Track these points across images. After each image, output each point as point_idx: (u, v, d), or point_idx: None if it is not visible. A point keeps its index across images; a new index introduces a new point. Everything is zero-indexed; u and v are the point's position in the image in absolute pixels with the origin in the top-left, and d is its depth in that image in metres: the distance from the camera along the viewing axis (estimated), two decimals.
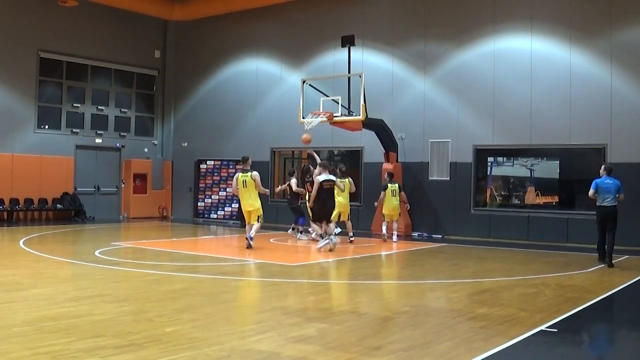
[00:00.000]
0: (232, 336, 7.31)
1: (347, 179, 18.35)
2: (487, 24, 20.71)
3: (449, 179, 21.14)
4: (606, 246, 14.29)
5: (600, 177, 14.51)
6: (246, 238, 16.15)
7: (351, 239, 18.27)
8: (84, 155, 26.03)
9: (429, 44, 21.78)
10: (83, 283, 11.09)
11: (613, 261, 14.18)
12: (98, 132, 26.50)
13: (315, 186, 16.27)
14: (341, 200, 17.67)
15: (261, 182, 16.39)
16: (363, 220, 22.02)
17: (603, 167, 14.87)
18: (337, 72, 21.97)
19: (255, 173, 16.15)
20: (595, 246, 14.74)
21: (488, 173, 21.68)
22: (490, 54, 20.64)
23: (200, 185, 27.53)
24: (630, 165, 18.04)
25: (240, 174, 16.33)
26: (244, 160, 16.59)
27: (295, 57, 24.84)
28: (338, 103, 19.64)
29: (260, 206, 16.30)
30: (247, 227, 16.69)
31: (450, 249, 17.55)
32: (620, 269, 13.91)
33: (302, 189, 18.84)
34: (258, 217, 16.27)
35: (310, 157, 19.23)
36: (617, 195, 14.38)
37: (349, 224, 18.46)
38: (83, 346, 6.66)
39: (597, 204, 14.41)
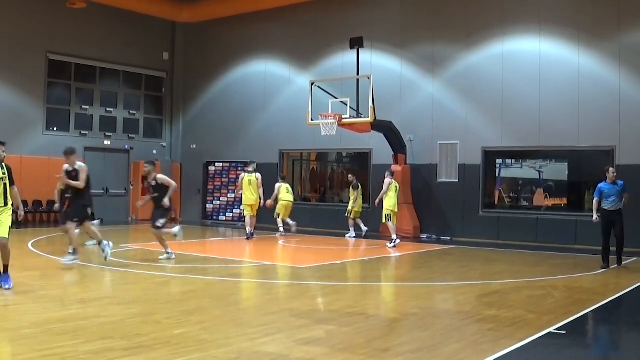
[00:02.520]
0: (240, 338, 7.31)
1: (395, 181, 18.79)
2: (496, 26, 20.67)
3: (457, 180, 21.11)
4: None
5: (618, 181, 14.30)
6: (250, 233, 19.26)
7: (395, 242, 18.12)
8: (92, 157, 26.02)
9: (438, 46, 21.76)
10: (91, 285, 11.12)
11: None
12: (107, 134, 26.56)
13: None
14: (390, 200, 18.43)
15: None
16: (372, 222, 22.00)
17: (614, 169, 14.54)
18: (346, 74, 21.96)
19: (258, 174, 19.23)
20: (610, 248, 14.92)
21: (497, 175, 21.65)
22: (499, 56, 20.60)
23: (209, 187, 27.56)
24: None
25: (246, 175, 19.29)
26: (251, 163, 19.78)
27: (304, 59, 24.85)
28: (347, 105, 19.65)
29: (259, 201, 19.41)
30: (247, 219, 19.46)
31: (459, 251, 17.52)
32: (628, 271, 13.87)
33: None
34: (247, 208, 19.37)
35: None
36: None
37: (391, 225, 18.46)
38: (91, 348, 6.67)
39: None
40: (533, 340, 7.47)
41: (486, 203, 20.97)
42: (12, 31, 23.45)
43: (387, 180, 18.42)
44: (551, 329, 8.01)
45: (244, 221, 20.90)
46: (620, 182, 14.15)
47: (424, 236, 21.06)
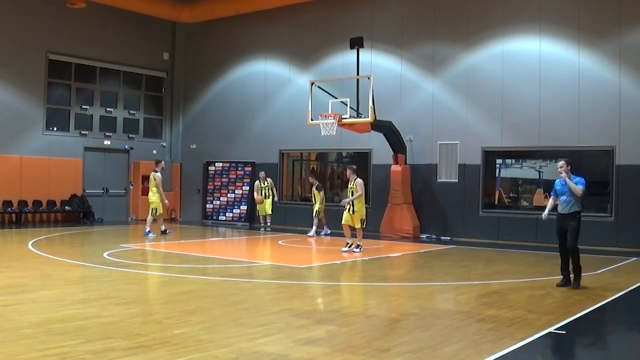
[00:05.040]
0: (240, 338, 7.31)
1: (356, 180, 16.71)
2: (496, 26, 20.67)
3: (457, 181, 21.10)
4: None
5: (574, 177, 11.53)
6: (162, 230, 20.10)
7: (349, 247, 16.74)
8: (92, 157, 26.09)
9: (438, 45, 21.76)
10: (91, 285, 11.12)
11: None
12: (107, 134, 26.56)
13: None
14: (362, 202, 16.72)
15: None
16: (372, 222, 22.03)
17: (562, 163, 11.60)
18: (346, 74, 21.97)
19: (157, 174, 19.74)
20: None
21: (497, 175, 21.64)
22: (499, 55, 20.60)
23: (209, 187, 27.55)
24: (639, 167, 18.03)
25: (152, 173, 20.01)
26: (157, 162, 20.43)
27: (304, 59, 24.85)
28: (347, 105, 19.64)
29: (155, 200, 19.72)
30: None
31: (459, 251, 17.52)
32: (628, 272, 13.87)
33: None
34: (152, 209, 19.74)
35: None
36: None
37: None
38: (91, 348, 6.68)
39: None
40: (533, 340, 7.48)
41: (486, 203, 20.97)
42: (12, 31, 23.45)
43: (359, 180, 16.59)
44: (551, 329, 8.02)
45: None
46: (575, 179, 11.45)
47: (424, 236, 21.06)
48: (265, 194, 22.83)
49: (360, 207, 16.49)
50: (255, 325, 8.01)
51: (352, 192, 16.51)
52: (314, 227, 21.26)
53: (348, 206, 16.54)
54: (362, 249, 16.54)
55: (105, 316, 8.28)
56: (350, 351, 6.86)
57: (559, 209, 11.56)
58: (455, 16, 21.54)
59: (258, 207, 23.10)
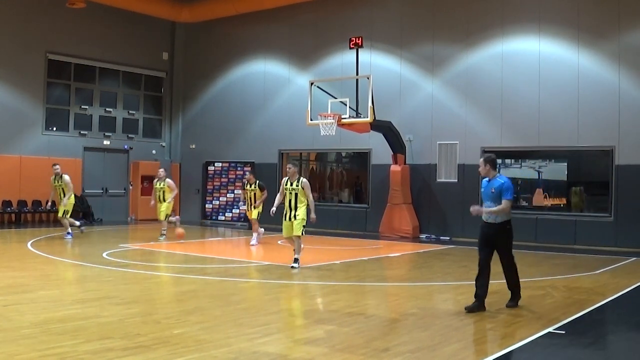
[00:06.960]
0: (239, 338, 7.31)
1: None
2: (496, 26, 20.66)
3: (457, 180, 21.10)
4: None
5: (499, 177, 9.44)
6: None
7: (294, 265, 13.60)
8: (91, 157, 26.06)
9: (437, 45, 21.75)
10: (91, 285, 11.11)
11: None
12: (106, 134, 26.54)
13: None
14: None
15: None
16: (371, 222, 22.04)
17: (483, 159, 9.63)
18: (345, 74, 21.95)
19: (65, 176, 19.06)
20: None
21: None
22: (499, 55, 20.59)
23: (208, 187, 27.54)
24: (639, 167, 18.00)
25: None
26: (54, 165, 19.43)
27: (304, 59, 24.83)
28: (346, 105, 19.63)
29: (66, 203, 18.88)
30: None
31: (458, 251, 17.52)
32: (627, 272, 13.87)
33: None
34: (64, 212, 18.86)
35: None
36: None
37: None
38: (91, 348, 6.68)
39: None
40: (532, 340, 7.48)
41: None
42: (12, 31, 23.43)
43: (306, 181, 13.83)
44: (550, 329, 8.02)
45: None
46: (499, 181, 9.32)
47: (423, 236, 21.05)
48: (159, 196, 18.93)
49: (304, 212, 13.65)
50: (255, 325, 8.01)
51: (296, 193, 13.60)
52: (256, 235, 18.23)
53: (290, 213, 13.71)
54: (299, 266, 13.53)
55: (104, 316, 8.28)
56: (349, 351, 6.86)
57: (484, 216, 9.42)
58: (455, 16, 21.54)
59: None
